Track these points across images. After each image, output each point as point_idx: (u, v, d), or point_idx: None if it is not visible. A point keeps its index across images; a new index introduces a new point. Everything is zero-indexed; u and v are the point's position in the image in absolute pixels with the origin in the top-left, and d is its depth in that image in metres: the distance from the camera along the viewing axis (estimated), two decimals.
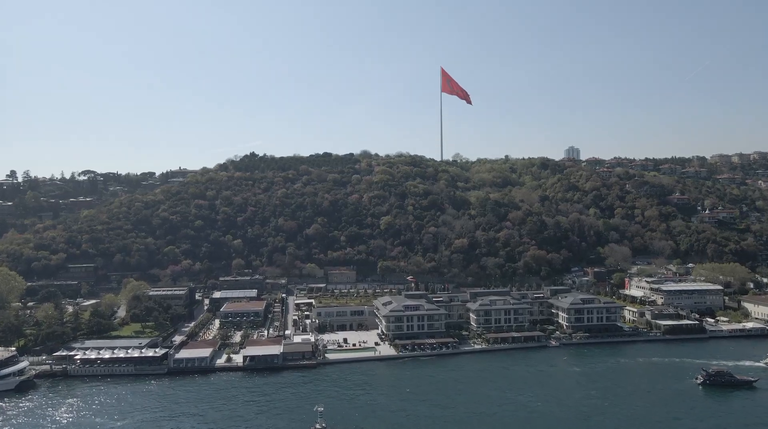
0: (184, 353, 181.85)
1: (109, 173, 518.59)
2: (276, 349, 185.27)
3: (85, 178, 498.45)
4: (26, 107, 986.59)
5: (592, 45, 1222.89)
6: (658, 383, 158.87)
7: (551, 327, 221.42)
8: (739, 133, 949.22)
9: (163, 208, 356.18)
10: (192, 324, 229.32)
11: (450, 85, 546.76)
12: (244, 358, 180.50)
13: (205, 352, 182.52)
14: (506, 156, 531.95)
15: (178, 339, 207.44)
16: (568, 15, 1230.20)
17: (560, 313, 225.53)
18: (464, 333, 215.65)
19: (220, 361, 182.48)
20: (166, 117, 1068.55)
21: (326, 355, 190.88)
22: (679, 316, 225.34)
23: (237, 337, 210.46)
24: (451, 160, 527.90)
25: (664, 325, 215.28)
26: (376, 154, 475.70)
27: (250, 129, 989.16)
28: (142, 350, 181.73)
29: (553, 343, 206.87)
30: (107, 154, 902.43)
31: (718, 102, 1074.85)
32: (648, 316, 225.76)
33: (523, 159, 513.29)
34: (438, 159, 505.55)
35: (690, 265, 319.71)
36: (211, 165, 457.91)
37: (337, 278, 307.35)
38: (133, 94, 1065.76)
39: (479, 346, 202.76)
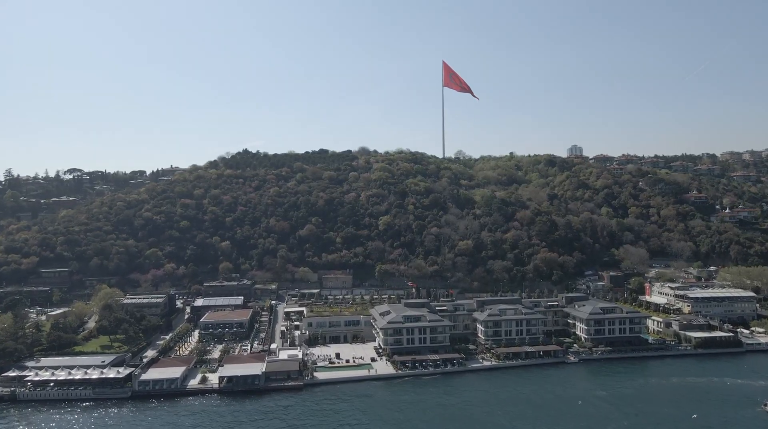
0: (152, 373, 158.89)
1: (96, 172, 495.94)
2: (257, 368, 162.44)
3: (70, 176, 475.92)
4: (17, 105, 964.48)
5: (594, 42, 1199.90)
6: (710, 412, 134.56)
7: (568, 340, 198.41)
8: (749, 130, 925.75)
9: (147, 207, 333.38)
10: (168, 336, 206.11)
11: (452, 79, 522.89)
12: (220, 379, 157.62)
13: (176, 371, 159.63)
14: (511, 153, 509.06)
15: (150, 354, 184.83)
16: (568, 11, 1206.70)
17: (578, 323, 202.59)
18: (471, 347, 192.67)
19: (194, 382, 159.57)
20: (164, 116, 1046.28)
21: (315, 373, 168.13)
22: (710, 327, 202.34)
23: (217, 352, 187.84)
24: (453, 157, 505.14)
25: (695, 338, 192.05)
26: (375, 151, 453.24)
27: (249, 129, 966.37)
28: (104, 370, 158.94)
29: (572, 358, 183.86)
30: (102, 154, 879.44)
31: (726, 98, 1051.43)
32: (675, 327, 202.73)
33: (529, 156, 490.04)
34: (440, 156, 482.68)
35: (712, 268, 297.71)
36: (204, 163, 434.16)
37: (332, 283, 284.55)
38: (130, 92, 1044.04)
39: (488, 363, 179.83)
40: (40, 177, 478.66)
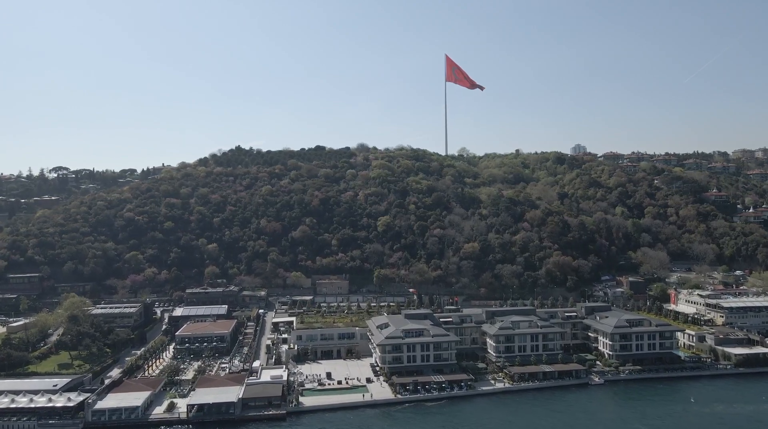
0: (109, 400, 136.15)
1: (82, 170, 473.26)
2: (233, 393, 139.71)
3: (55, 175, 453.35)
4: (5, 103, 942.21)
5: (597, 39, 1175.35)
6: None
7: (590, 356, 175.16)
8: (755, 128, 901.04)
9: (129, 207, 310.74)
10: (140, 352, 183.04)
11: (455, 74, 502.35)
12: (189, 407, 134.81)
13: (139, 397, 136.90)
14: (517, 150, 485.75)
15: (116, 374, 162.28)
16: (569, 9, 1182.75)
17: (600, 338, 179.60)
18: (480, 365, 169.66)
19: (159, 410, 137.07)
20: (159, 114, 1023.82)
21: (301, 398, 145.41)
22: (751, 342, 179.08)
23: (191, 371, 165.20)
24: (456, 154, 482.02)
25: (736, 355, 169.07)
26: (374, 148, 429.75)
27: (248, 128, 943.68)
28: (53, 396, 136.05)
29: (596, 379, 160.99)
30: (98, 154, 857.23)
31: (731, 96, 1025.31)
32: (710, 342, 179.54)
33: (536, 153, 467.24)
34: (442, 154, 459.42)
35: (738, 272, 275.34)
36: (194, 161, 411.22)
37: (327, 289, 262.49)
38: (126, 90, 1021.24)
39: (501, 385, 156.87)
40: (23, 175, 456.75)
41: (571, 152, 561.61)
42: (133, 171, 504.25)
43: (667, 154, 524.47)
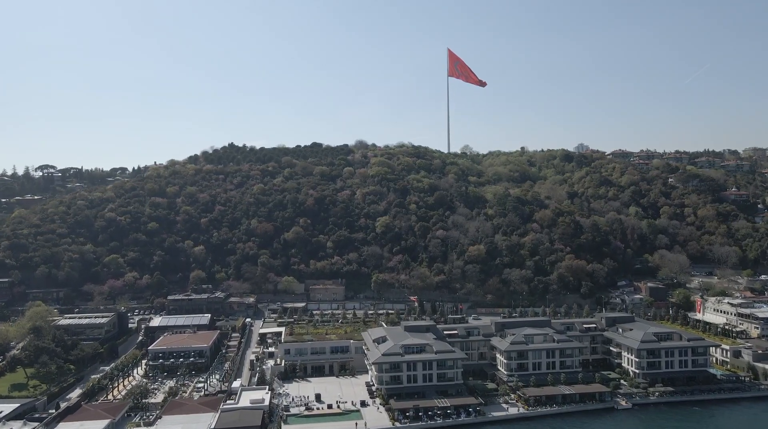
0: None
1: (70, 168, 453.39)
2: (204, 422, 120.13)
3: (41, 173, 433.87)
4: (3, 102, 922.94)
5: (599, 38, 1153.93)
6: None
7: (613, 375, 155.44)
8: (765, 126, 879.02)
9: (111, 207, 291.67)
10: (108, 369, 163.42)
11: (458, 69, 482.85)
12: None
13: (94, 428, 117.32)
14: (522, 148, 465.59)
15: (76, 396, 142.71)
16: (568, 6, 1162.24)
17: (624, 353, 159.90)
18: (489, 385, 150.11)
19: None
20: (157, 113, 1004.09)
21: (284, 427, 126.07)
22: None
23: (162, 393, 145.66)
24: (459, 152, 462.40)
25: None
26: (374, 145, 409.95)
27: (247, 128, 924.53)
28: None
29: (623, 403, 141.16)
30: (91, 153, 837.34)
31: (738, 94, 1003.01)
32: (748, 357, 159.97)
33: (542, 151, 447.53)
34: (444, 151, 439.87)
35: (763, 276, 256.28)
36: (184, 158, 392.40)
37: (321, 295, 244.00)
38: (125, 88, 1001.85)
39: (514, 410, 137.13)
40: (7, 174, 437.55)
41: (575, 151, 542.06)
42: (123, 169, 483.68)
43: (677, 151, 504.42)
